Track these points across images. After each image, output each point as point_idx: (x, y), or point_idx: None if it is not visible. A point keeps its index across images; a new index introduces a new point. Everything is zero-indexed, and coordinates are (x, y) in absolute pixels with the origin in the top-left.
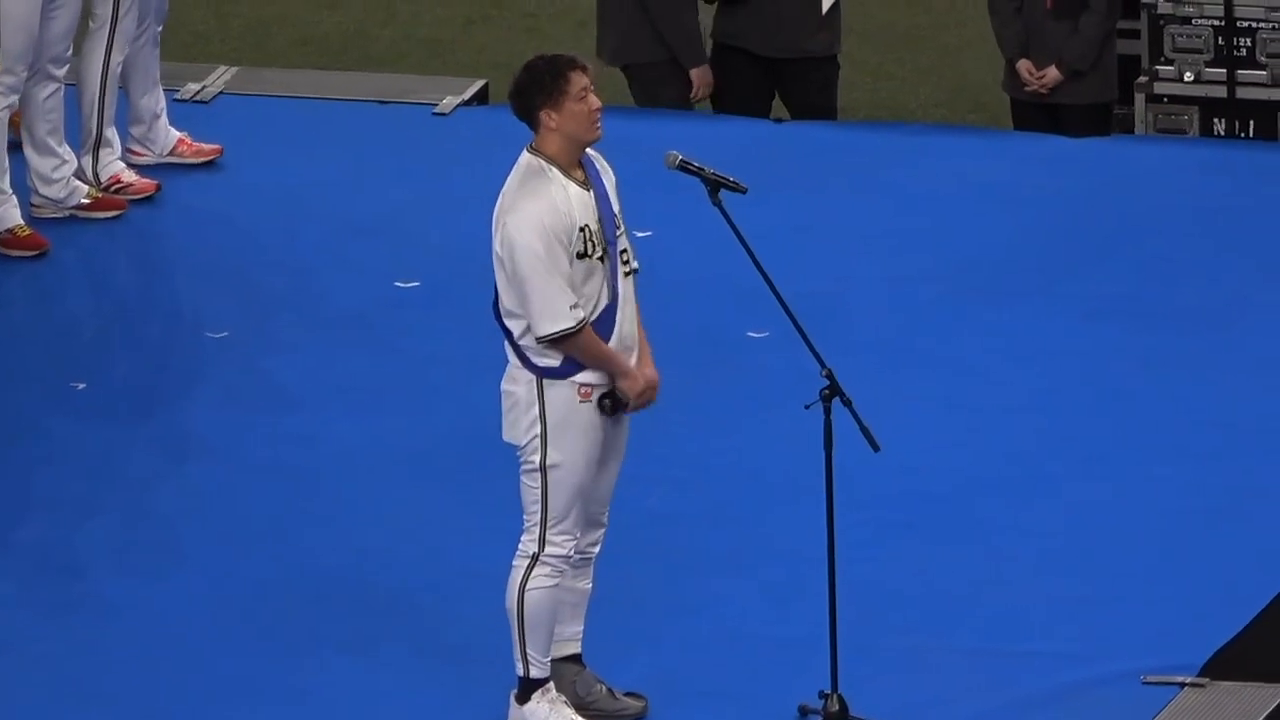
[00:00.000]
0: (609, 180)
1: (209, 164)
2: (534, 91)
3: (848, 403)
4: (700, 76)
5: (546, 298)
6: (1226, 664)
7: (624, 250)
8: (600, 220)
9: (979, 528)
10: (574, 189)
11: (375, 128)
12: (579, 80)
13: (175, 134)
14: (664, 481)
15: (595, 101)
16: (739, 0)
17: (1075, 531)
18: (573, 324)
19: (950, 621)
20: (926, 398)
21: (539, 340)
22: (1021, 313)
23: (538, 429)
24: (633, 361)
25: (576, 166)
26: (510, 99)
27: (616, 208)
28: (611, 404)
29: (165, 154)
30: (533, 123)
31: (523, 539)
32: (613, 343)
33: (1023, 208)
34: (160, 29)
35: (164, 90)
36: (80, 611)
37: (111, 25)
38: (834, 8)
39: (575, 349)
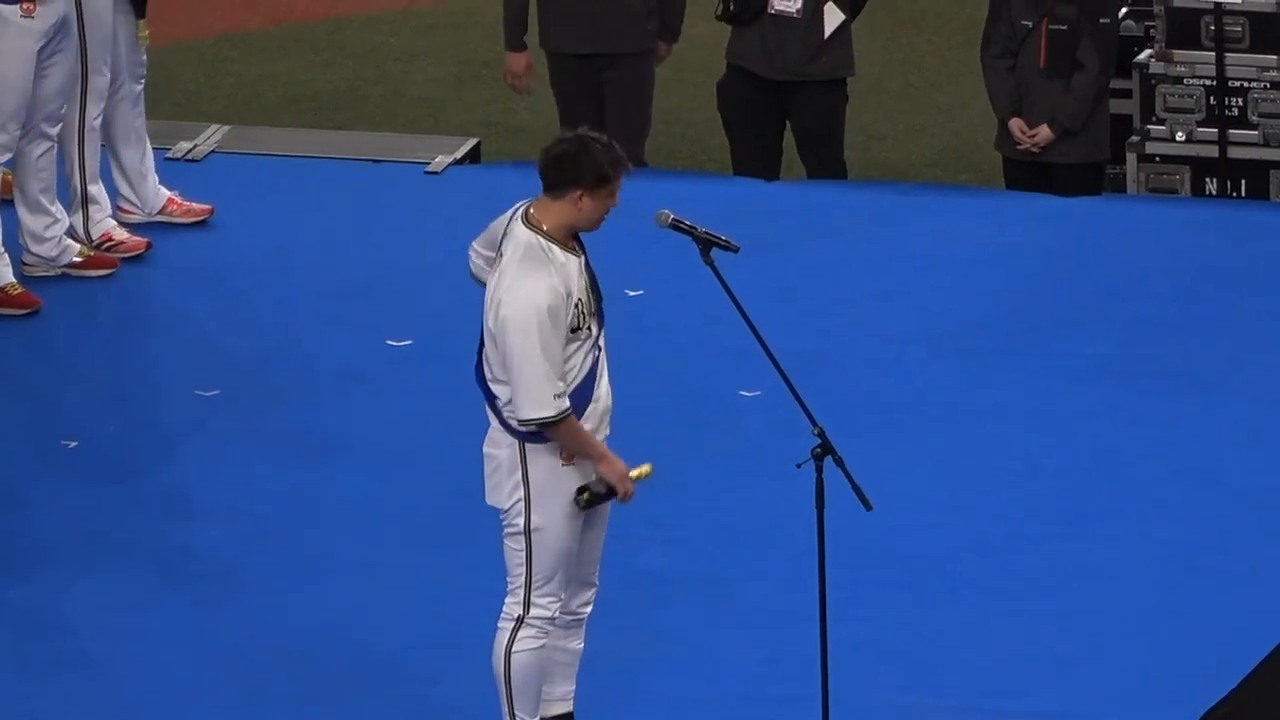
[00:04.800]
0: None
1: (200, 223)
2: (588, 171)
3: (839, 461)
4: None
5: (534, 383)
6: None
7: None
8: (588, 288)
9: (968, 587)
10: (570, 260)
11: (367, 186)
12: (620, 182)
13: (165, 193)
14: (655, 540)
15: (617, 201)
16: (747, 21)
17: (1063, 591)
18: (554, 414)
19: (939, 680)
20: (916, 457)
21: (521, 423)
22: (1012, 373)
23: (521, 493)
24: (605, 426)
25: (569, 237)
26: (555, 162)
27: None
28: (588, 499)
29: (155, 213)
30: (560, 193)
31: (507, 601)
32: (589, 410)
33: (1014, 267)
34: (140, 87)
35: (155, 149)
36: (67, 671)
37: (82, 82)
38: (839, 31)
39: (555, 434)
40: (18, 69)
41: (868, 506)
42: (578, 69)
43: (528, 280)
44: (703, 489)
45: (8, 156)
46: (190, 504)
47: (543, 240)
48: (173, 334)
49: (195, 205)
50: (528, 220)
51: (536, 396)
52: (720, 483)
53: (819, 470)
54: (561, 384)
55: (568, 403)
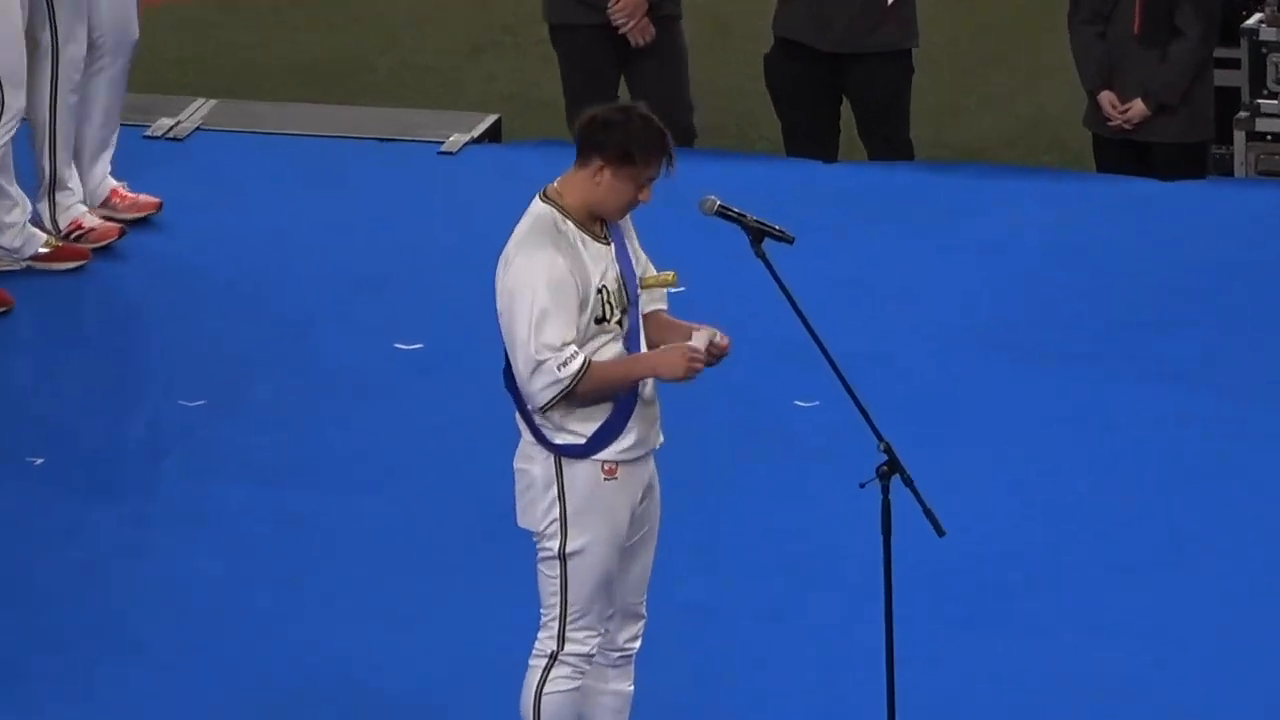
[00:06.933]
0: (627, 226)
1: (144, 219)
2: (614, 141)
3: (908, 481)
4: None
5: (534, 360)
6: None
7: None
8: (620, 278)
9: (1052, 622)
10: (592, 245)
11: (373, 168)
12: (654, 170)
13: (111, 182)
14: (698, 569)
15: (647, 196)
16: None
17: (1160, 628)
18: (570, 378)
19: None
20: (994, 475)
21: (541, 411)
22: (1102, 378)
23: (556, 512)
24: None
25: (594, 220)
26: (588, 122)
27: (636, 262)
28: None
29: (96, 205)
30: (583, 161)
31: (539, 635)
32: (635, 414)
33: (1105, 260)
34: (127, 62)
35: (133, 125)
36: (37, 712)
37: (54, 53)
38: None
39: (587, 397)
40: (5, 29)
41: (940, 532)
42: (598, 40)
43: (533, 251)
44: (752, 512)
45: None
46: (173, 528)
47: (558, 214)
48: (152, 336)
49: (142, 197)
50: (545, 195)
51: (545, 375)
52: (773, 504)
53: (885, 491)
54: (570, 348)
55: (578, 356)
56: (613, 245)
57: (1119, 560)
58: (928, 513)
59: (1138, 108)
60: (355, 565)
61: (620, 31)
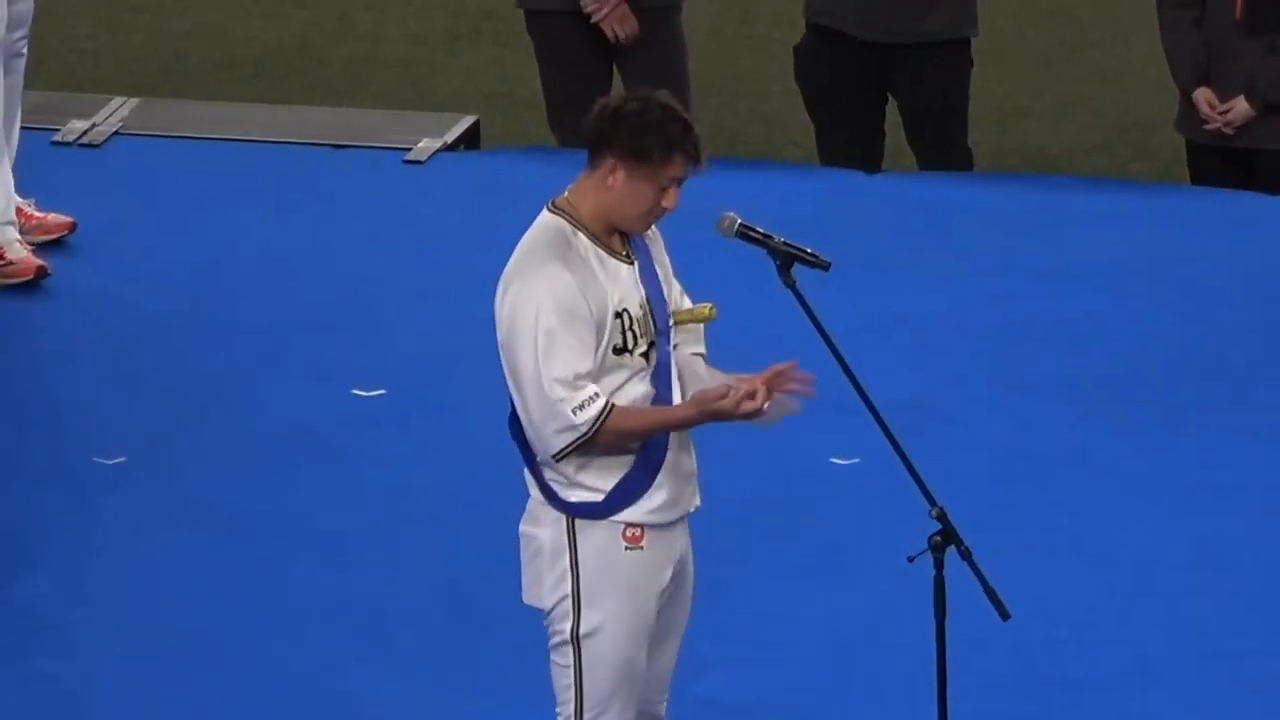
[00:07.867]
0: (656, 246)
1: (59, 240)
2: (625, 135)
3: (966, 554)
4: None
5: (545, 400)
6: None
7: (677, 344)
8: (646, 303)
9: None
10: (610, 263)
11: (326, 180)
12: (678, 169)
13: (16, 200)
14: (719, 659)
15: (672, 201)
16: None
17: None
18: (587, 426)
19: None
20: (1069, 546)
21: (554, 457)
22: (1195, 436)
23: (568, 586)
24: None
25: (612, 233)
26: (598, 113)
27: (667, 289)
28: None
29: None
30: (595, 161)
31: None
32: (663, 473)
33: (1202, 288)
34: (23, 43)
35: (38, 129)
36: None
37: None
38: None
39: (608, 446)
40: None
41: (1005, 615)
42: (577, 31)
43: (537, 268)
44: (782, 590)
45: None
46: (85, 608)
47: (568, 225)
48: (64, 380)
49: (52, 217)
50: (555, 205)
51: (556, 418)
52: (805, 582)
53: (939, 565)
54: (588, 387)
55: (598, 398)
56: (636, 264)
57: (1216, 649)
58: (989, 592)
59: (1240, 108)
60: (311, 656)
61: (593, 21)
